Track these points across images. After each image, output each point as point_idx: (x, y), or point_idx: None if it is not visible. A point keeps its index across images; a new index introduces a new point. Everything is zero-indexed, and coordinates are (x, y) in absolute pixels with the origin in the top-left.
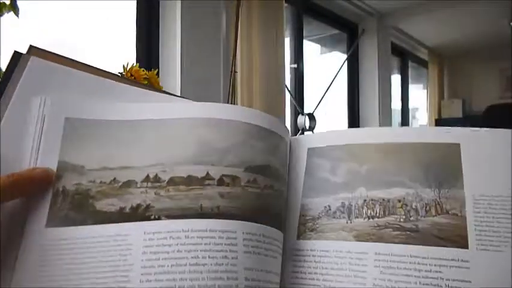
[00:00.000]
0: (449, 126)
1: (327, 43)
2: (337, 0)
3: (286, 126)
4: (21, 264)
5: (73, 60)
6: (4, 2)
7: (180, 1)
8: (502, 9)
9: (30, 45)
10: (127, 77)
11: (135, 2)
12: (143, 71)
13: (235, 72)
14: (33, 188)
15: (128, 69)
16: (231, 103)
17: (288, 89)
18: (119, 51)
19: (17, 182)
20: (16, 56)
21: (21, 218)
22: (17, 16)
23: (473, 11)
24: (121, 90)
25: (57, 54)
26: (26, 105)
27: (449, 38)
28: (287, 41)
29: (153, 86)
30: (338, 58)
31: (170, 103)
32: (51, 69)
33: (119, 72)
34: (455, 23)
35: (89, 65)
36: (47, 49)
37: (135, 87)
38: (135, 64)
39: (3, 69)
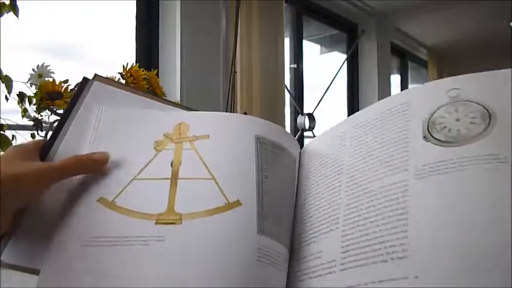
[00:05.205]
0: None
1: (327, 43)
2: (337, 0)
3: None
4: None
5: (126, 84)
6: (4, 2)
7: (180, 1)
8: (502, 9)
9: (95, 74)
10: (162, 97)
11: (135, 2)
12: (143, 71)
13: (235, 72)
14: (93, 166)
15: (127, 70)
16: (231, 103)
17: (287, 89)
18: (118, 51)
19: (80, 161)
20: (84, 80)
21: (81, 190)
22: (17, 16)
23: (473, 11)
24: (155, 107)
25: (114, 80)
26: (89, 111)
27: (448, 38)
28: (287, 41)
29: (153, 86)
30: (338, 58)
31: None
32: (108, 89)
33: (118, 73)
34: (454, 23)
35: (136, 88)
36: (107, 76)
37: (167, 105)
38: (134, 64)
39: (3, 69)
